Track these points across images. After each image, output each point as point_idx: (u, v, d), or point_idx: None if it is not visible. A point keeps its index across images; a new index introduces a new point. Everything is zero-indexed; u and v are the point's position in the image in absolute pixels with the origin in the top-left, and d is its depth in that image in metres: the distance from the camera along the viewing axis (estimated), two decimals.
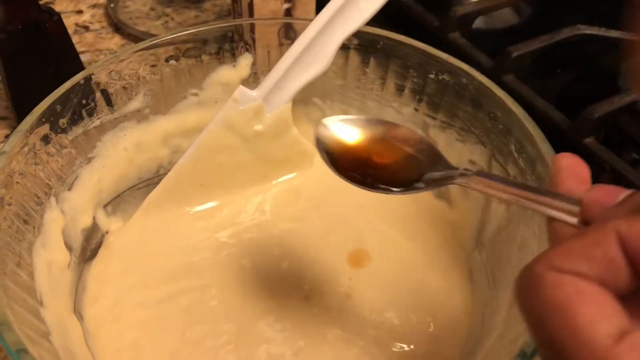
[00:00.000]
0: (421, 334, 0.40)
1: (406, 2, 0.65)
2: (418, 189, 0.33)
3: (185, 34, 0.47)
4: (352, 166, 0.35)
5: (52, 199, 0.41)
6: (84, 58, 0.62)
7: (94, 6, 0.75)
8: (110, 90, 0.45)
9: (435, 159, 0.34)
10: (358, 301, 0.42)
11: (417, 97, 0.48)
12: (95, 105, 0.44)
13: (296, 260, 0.45)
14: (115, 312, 0.42)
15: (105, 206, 0.47)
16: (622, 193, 0.23)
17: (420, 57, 0.46)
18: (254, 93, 0.46)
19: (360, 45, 0.48)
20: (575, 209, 0.24)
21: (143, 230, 0.47)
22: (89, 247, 0.45)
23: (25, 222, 0.38)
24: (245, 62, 0.50)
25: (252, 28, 0.49)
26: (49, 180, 0.41)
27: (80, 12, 0.74)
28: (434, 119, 0.47)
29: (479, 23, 0.64)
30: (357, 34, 0.46)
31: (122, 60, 0.45)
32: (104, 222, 0.46)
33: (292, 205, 0.49)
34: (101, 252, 0.46)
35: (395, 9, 0.63)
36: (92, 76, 0.44)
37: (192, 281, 0.43)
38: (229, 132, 0.47)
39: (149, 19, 0.73)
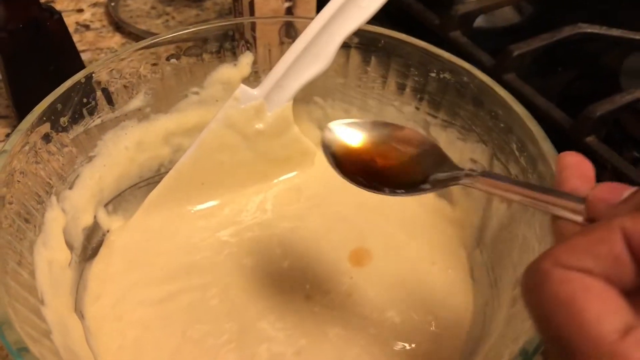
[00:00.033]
0: (422, 333, 0.40)
1: (407, 1, 0.65)
2: (424, 190, 0.34)
3: (186, 32, 0.47)
4: (358, 169, 0.35)
5: (53, 198, 0.41)
6: (84, 57, 0.62)
7: (95, 5, 0.75)
8: (111, 88, 0.45)
9: (440, 160, 0.35)
10: (359, 300, 0.42)
11: (418, 95, 0.48)
12: (96, 104, 0.44)
13: (297, 259, 0.45)
14: (117, 310, 0.42)
15: (106, 205, 0.46)
16: (627, 190, 0.23)
17: (422, 56, 0.46)
18: (255, 92, 0.46)
19: (362, 43, 0.48)
20: (580, 206, 0.24)
21: (144, 229, 0.47)
22: (90, 245, 0.45)
23: (27, 220, 0.38)
24: (246, 60, 0.49)
25: (253, 26, 0.49)
26: (50, 179, 0.41)
27: (80, 10, 0.74)
28: (435, 117, 0.47)
29: (480, 22, 0.64)
30: (358, 33, 0.46)
31: (122, 59, 0.45)
32: (105, 221, 0.46)
33: (293, 204, 0.49)
34: (102, 251, 0.46)
35: (396, 7, 0.63)
36: (93, 75, 0.44)
37: (193, 280, 0.43)
38: (230, 131, 0.47)
39: (149, 17, 0.73)
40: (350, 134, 0.37)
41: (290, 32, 0.49)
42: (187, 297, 0.42)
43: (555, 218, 0.25)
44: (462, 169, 0.33)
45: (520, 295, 0.33)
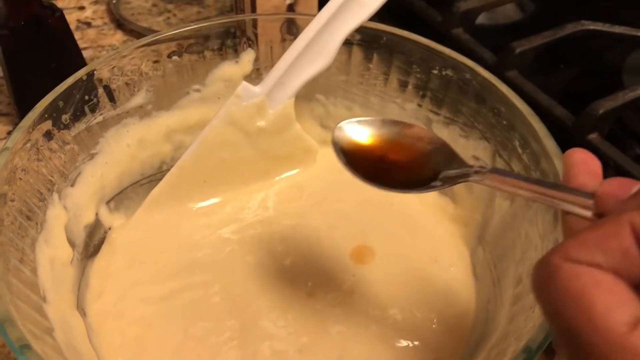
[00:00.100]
0: (425, 331, 0.40)
1: None
2: (434, 188, 0.34)
3: (188, 29, 0.47)
4: (368, 166, 0.36)
5: (55, 195, 0.41)
6: (86, 54, 0.62)
7: (96, 2, 0.75)
8: (113, 86, 0.45)
9: (449, 157, 0.35)
10: (361, 297, 0.42)
11: (421, 92, 0.47)
12: (98, 101, 0.44)
13: (299, 257, 0.45)
14: (118, 308, 0.42)
15: (108, 202, 0.46)
16: (636, 185, 0.23)
17: (424, 53, 0.46)
18: (256, 89, 0.46)
19: (363, 40, 0.48)
20: (589, 202, 0.24)
21: (146, 227, 0.47)
22: (91, 243, 0.45)
23: (28, 218, 0.38)
24: (247, 58, 0.49)
25: (254, 24, 0.49)
26: (52, 176, 0.41)
27: (82, 8, 0.74)
28: (438, 114, 0.47)
29: (482, 19, 0.64)
30: (360, 30, 0.46)
31: (124, 56, 0.45)
32: (107, 218, 0.46)
33: (295, 201, 0.49)
34: (104, 248, 0.45)
35: (397, 4, 0.63)
36: (95, 72, 0.44)
37: (195, 277, 0.43)
38: (232, 128, 0.47)
39: (151, 15, 0.73)
40: (360, 132, 0.37)
41: (292, 29, 0.49)
42: (189, 294, 0.42)
43: (565, 213, 0.26)
44: (471, 166, 0.33)
45: (530, 289, 0.33)
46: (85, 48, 0.67)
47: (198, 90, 0.49)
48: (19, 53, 0.53)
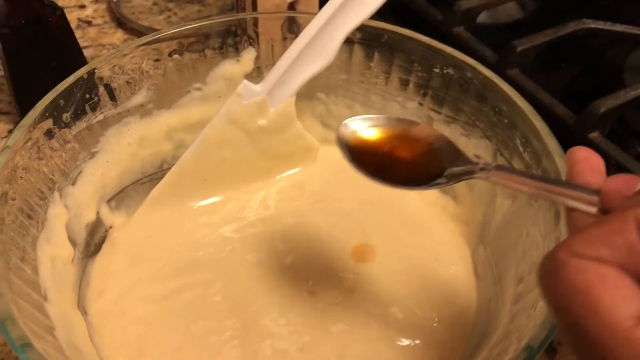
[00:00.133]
0: (426, 329, 0.40)
1: None
2: (439, 185, 0.34)
3: (188, 28, 0.47)
4: (373, 163, 0.36)
5: (56, 194, 0.41)
6: (86, 53, 0.61)
7: (97, 1, 0.74)
8: (114, 84, 0.45)
9: (454, 155, 0.35)
10: (362, 296, 0.42)
11: (422, 91, 0.47)
12: (99, 100, 0.44)
13: (300, 256, 0.45)
14: (119, 307, 0.42)
15: (109, 201, 0.46)
16: None
17: (425, 51, 0.46)
18: (257, 87, 0.46)
19: (364, 39, 0.48)
20: (594, 198, 0.25)
21: (147, 225, 0.47)
22: (92, 242, 0.45)
23: (29, 217, 0.38)
24: (248, 56, 0.49)
25: (255, 22, 0.49)
26: (53, 175, 0.41)
27: (83, 6, 0.74)
28: (439, 113, 0.47)
29: (483, 17, 0.63)
30: (361, 28, 0.46)
31: (125, 55, 0.45)
32: (108, 217, 0.46)
33: (296, 200, 0.49)
34: (105, 247, 0.45)
35: (399, 3, 0.63)
36: (95, 71, 0.44)
37: (196, 276, 0.43)
38: (233, 127, 0.47)
39: (151, 13, 0.73)
40: (365, 129, 0.37)
41: (292, 28, 0.49)
42: (190, 293, 0.42)
43: (569, 210, 0.26)
44: (476, 163, 0.33)
45: (531, 288, 0.33)
46: (85, 47, 0.67)
47: (199, 89, 0.49)
48: (20, 52, 0.53)
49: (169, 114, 0.48)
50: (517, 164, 0.40)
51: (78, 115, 0.43)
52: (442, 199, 0.48)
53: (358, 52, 0.49)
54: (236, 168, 0.48)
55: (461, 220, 0.46)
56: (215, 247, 0.45)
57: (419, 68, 0.47)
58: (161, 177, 0.48)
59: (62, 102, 0.41)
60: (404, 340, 0.39)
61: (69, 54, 0.56)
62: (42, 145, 0.40)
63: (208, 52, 0.48)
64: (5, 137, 0.57)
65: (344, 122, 0.38)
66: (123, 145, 0.46)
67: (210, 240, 0.46)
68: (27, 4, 0.52)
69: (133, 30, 0.70)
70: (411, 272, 0.43)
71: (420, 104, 0.48)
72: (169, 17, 0.73)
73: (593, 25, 0.58)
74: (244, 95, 0.46)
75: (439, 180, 0.34)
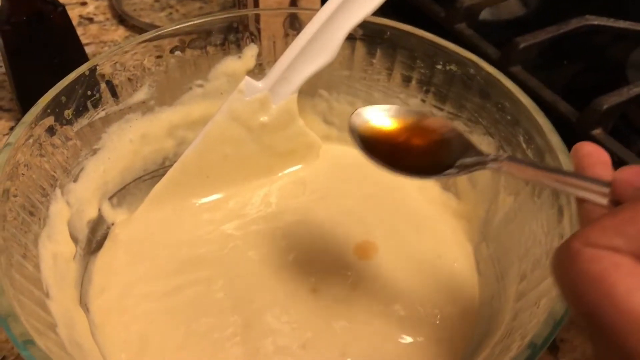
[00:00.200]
0: (428, 326, 0.40)
1: None
2: (450, 175, 0.34)
3: (190, 24, 0.47)
4: (384, 152, 0.36)
5: (58, 191, 0.41)
6: (88, 50, 0.61)
7: None
8: (115, 81, 0.45)
9: (465, 146, 0.35)
10: (365, 293, 0.42)
11: (424, 88, 0.47)
12: (101, 97, 0.44)
13: (302, 252, 0.45)
14: (121, 304, 0.42)
15: (110, 198, 0.46)
16: None
17: (428, 48, 0.46)
18: (259, 84, 0.46)
19: (367, 35, 0.48)
20: (606, 190, 0.25)
21: (149, 222, 0.47)
22: (94, 238, 0.45)
23: (31, 213, 0.38)
24: (250, 53, 0.49)
25: (257, 18, 0.49)
26: (55, 171, 0.41)
27: (84, 3, 0.74)
28: (441, 109, 0.47)
29: (485, 14, 0.63)
30: (363, 25, 0.46)
31: (126, 52, 0.45)
32: (110, 213, 0.46)
33: (298, 197, 0.49)
34: (107, 244, 0.45)
35: None
36: (97, 67, 0.43)
37: (198, 273, 0.43)
38: (235, 124, 0.47)
39: (153, 10, 0.73)
40: (378, 118, 0.38)
41: (294, 24, 0.49)
42: (192, 290, 0.42)
43: (580, 201, 0.26)
44: (487, 154, 0.33)
45: (534, 285, 0.33)
46: (87, 44, 0.67)
47: (201, 86, 0.49)
48: (21, 49, 0.53)
49: (170, 111, 0.48)
50: None
51: (80, 112, 0.43)
52: (445, 195, 0.48)
53: (360, 48, 0.48)
54: (238, 165, 0.48)
55: (464, 217, 0.46)
56: (217, 244, 0.45)
57: (422, 65, 0.47)
58: (163, 174, 0.48)
59: (63, 98, 0.41)
60: (406, 337, 0.39)
61: (70, 51, 0.56)
62: (44, 142, 0.40)
63: (210, 48, 0.48)
64: (7, 134, 0.57)
65: (357, 110, 0.38)
66: (125, 142, 0.46)
67: (212, 237, 0.46)
68: (28, 0, 0.52)
69: (134, 27, 0.70)
70: (414, 269, 0.43)
71: (423, 101, 0.48)
72: (171, 13, 0.73)
73: (596, 22, 0.57)
74: (246, 92, 0.46)
75: (449, 171, 0.34)
